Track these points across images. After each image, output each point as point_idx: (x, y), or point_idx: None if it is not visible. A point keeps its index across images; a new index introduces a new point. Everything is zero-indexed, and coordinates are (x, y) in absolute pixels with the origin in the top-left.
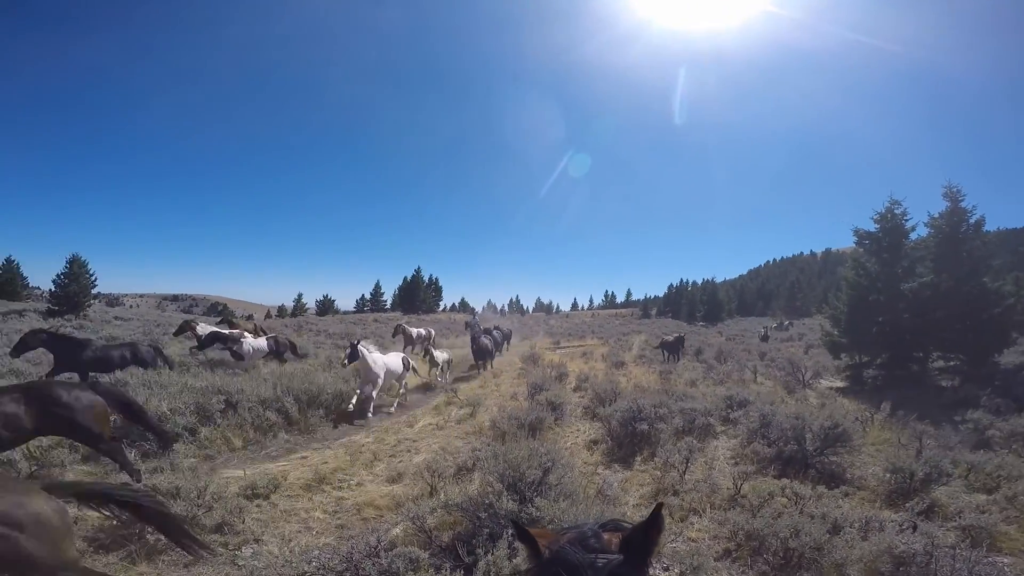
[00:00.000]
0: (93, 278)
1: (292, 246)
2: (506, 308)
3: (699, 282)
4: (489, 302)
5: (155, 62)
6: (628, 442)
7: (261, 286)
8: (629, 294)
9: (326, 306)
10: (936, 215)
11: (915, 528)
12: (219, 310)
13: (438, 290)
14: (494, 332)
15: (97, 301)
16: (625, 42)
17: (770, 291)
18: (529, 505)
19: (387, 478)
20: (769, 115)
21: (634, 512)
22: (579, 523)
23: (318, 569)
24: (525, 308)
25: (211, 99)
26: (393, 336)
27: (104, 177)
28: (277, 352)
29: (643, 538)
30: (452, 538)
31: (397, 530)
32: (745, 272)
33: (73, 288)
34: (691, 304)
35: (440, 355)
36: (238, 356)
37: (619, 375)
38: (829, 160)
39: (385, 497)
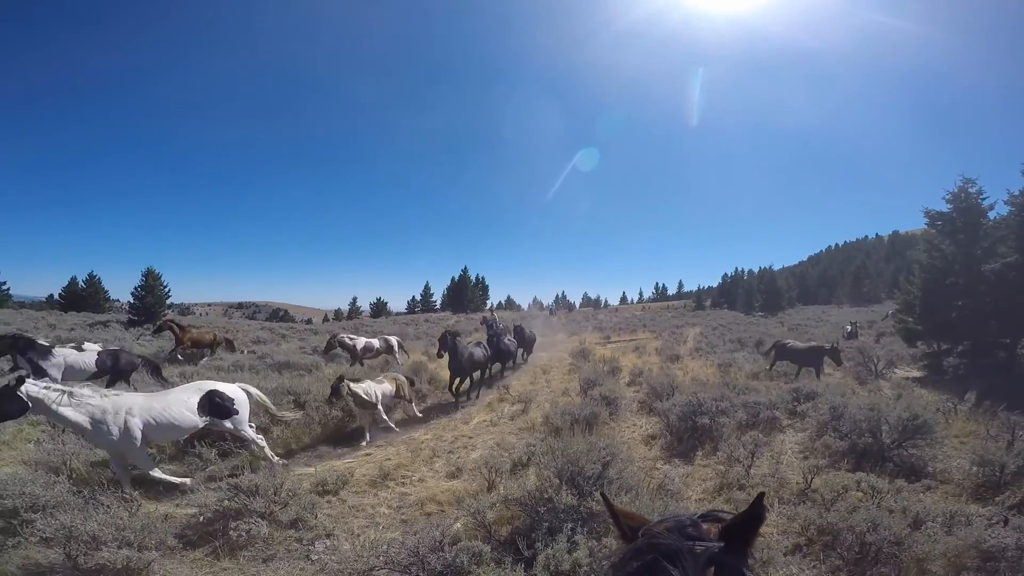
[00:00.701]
0: (167, 289)
1: (346, 252)
2: (552, 304)
3: (755, 270)
4: (535, 299)
5: (231, 86)
6: (688, 437)
7: (318, 291)
8: (681, 285)
9: (379, 308)
10: (1016, 192)
11: (1007, 522)
12: (280, 316)
13: (484, 289)
14: (524, 332)
15: (171, 310)
16: (666, 37)
17: (833, 277)
18: (589, 499)
19: (446, 474)
20: (823, 96)
21: (697, 506)
22: (676, 514)
23: (385, 563)
24: (572, 303)
25: (290, 123)
26: (326, 351)
27: (172, 196)
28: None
29: (745, 527)
30: (511, 532)
31: (458, 525)
32: (805, 258)
33: (149, 299)
34: (748, 294)
35: (375, 388)
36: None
37: (675, 369)
38: (893, 141)
39: (445, 492)
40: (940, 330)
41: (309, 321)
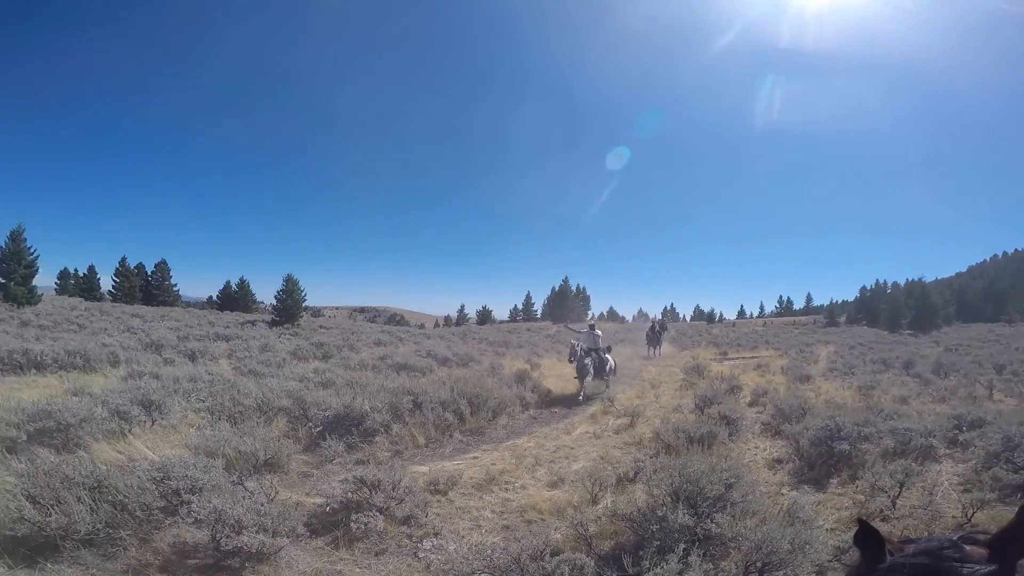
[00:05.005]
0: (304, 293)
1: (455, 260)
2: (659, 316)
3: (901, 282)
4: (640, 311)
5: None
6: (821, 463)
7: (430, 297)
8: (809, 299)
9: (485, 316)
10: None
11: None
12: (397, 320)
13: (586, 299)
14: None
15: (307, 313)
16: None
17: (1002, 291)
18: (707, 521)
19: (548, 483)
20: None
21: (828, 535)
22: (928, 535)
23: (487, 567)
24: (681, 316)
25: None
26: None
27: (309, 208)
28: None
29: (1014, 543)
30: (614, 547)
31: (557, 535)
32: (964, 269)
33: (288, 302)
34: (893, 309)
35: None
36: None
37: (805, 390)
38: None
39: (546, 501)
40: None
41: (422, 326)
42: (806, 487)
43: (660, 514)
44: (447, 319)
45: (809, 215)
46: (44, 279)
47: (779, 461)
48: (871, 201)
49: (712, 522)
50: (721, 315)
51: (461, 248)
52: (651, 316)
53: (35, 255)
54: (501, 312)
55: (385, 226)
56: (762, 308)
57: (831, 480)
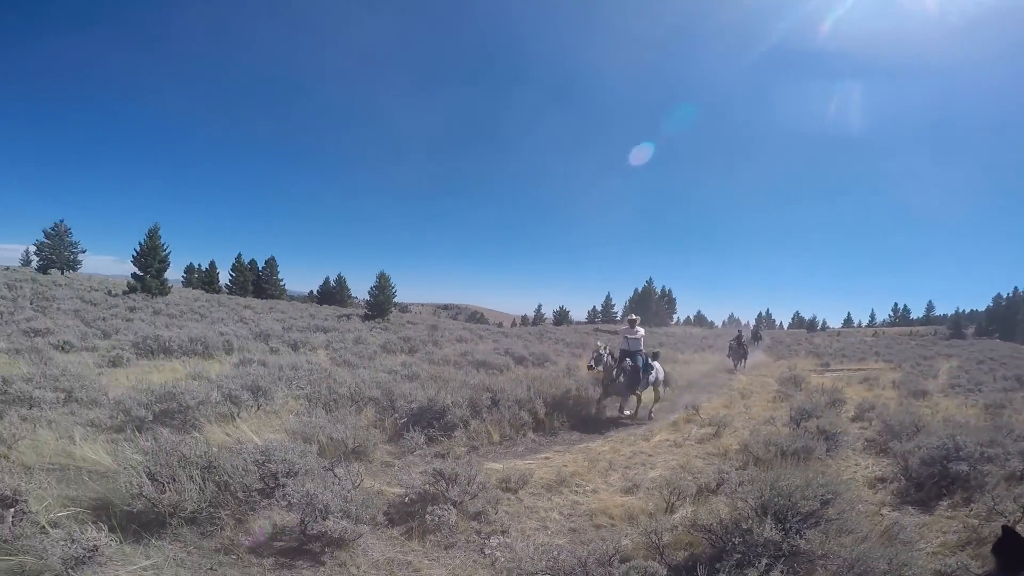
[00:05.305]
0: (394, 289)
1: (534, 260)
2: (751, 323)
3: None
4: (731, 315)
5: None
6: (932, 484)
7: (508, 296)
8: (930, 307)
9: (561, 316)
10: None
11: None
12: (477, 318)
13: (671, 302)
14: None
15: (395, 309)
16: None
17: None
18: (797, 537)
19: (621, 488)
20: None
21: (930, 559)
22: None
23: (552, 569)
24: (777, 323)
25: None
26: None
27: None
28: None
29: None
30: (688, 558)
31: (627, 541)
32: None
33: (380, 298)
34: None
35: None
36: None
37: (920, 406)
38: None
39: (618, 507)
40: None
41: (500, 324)
42: (910, 508)
43: (744, 527)
44: (524, 318)
45: (936, 213)
46: (173, 272)
47: (882, 480)
48: (1010, 196)
49: (801, 538)
50: (824, 323)
51: (538, 247)
52: (743, 322)
53: (167, 251)
54: (578, 313)
55: (465, 224)
56: (873, 317)
57: (940, 502)
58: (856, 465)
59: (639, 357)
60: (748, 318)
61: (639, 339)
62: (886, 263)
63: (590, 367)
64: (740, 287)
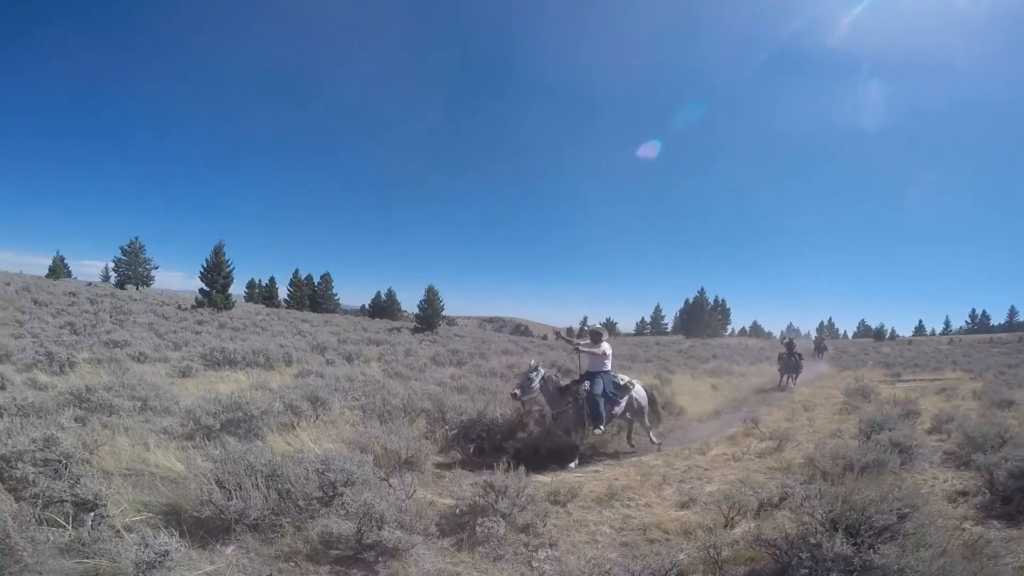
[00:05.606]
0: (442, 303)
1: (580, 270)
2: (812, 333)
3: None
4: (790, 326)
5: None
6: (1021, 497)
7: (553, 308)
8: (1013, 313)
9: (608, 328)
10: None
11: None
12: (522, 331)
13: (725, 312)
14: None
15: (443, 321)
16: None
17: None
18: (870, 551)
19: (676, 503)
20: None
21: (1016, 573)
22: None
23: None
24: (841, 332)
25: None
26: None
27: (449, 228)
28: None
29: None
30: (749, 574)
31: (683, 556)
32: None
33: (429, 311)
34: None
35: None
36: None
37: (1006, 416)
38: None
39: (673, 522)
40: None
41: (544, 337)
42: (995, 523)
43: (813, 541)
44: (569, 330)
45: (1019, 212)
46: (236, 287)
47: (963, 494)
48: None
49: (876, 552)
50: (893, 331)
51: (581, 256)
52: (802, 333)
53: (231, 267)
54: (626, 325)
55: (509, 237)
56: (948, 324)
57: None
58: (934, 479)
59: (600, 381)
60: (809, 328)
61: (603, 358)
62: (961, 267)
63: (514, 395)
64: (799, 295)
